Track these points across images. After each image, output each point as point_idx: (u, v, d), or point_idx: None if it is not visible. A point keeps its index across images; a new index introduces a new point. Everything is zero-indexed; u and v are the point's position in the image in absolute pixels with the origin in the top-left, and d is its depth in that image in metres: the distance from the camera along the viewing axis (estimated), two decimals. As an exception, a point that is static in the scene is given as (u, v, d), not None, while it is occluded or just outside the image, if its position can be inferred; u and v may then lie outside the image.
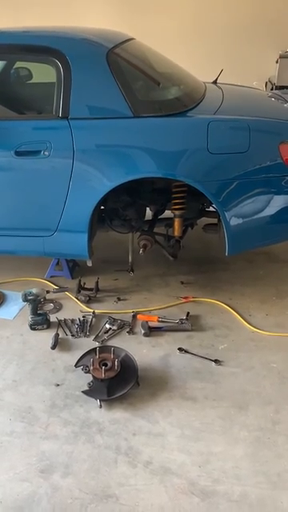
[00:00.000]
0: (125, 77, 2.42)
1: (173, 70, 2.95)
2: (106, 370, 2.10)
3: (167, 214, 2.83)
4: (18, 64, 3.22)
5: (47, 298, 2.76)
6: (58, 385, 2.19)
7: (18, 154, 2.41)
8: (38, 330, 2.56)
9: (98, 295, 2.86)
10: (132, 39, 2.88)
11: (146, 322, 2.59)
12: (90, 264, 2.77)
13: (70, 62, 2.37)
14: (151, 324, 2.58)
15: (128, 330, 2.56)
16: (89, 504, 1.67)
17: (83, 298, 2.80)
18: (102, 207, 2.69)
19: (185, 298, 2.82)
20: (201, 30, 5.40)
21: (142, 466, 1.81)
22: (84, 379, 2.17)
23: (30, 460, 1.83)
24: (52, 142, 2.38)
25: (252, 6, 5.29)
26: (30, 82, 3.29)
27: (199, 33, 5.41)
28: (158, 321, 2.60)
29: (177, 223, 2.66)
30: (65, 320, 2.63)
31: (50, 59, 2.43)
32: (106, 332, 2.55)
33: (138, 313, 2.69)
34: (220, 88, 3.08)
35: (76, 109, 2.38)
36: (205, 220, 2.86)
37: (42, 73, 2.92)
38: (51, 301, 2.80)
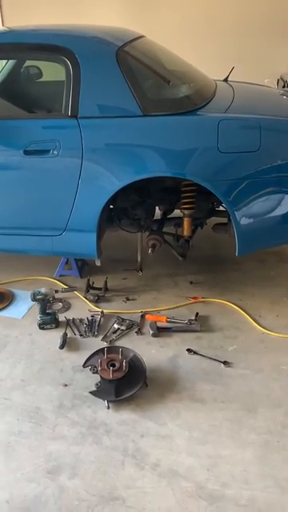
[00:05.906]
0: (134, 75, 2.40)
1: (183, 67, 2.92)
2: (113, 371, 2.09)
3: (176, 213, 2.81)
4: (28, 62, 3.23)
5: (56, 297, 2.76)
6: (66, 385, 2.19)
7: (26, 153, 2.40)
8: (46, 329, 2.56)
9: (106, 295, 2.85)
10: (142, 37, 2.86)
11: (155, 322, 2.57)
12: (98, 263, 2.77)
13: (79, 60, 2.35)
14: (160, 324, 2.56)
15: (136, 330, 2.54)
16: (95, 506, 1.66)
17: (92, 298, 2.80)
18: (111, 206, 2.68)
19: (194, 298, 2.80)
20: (211, 27, 5.35)
21: (150, 468, 1.80)
22: (92, 379, 2.16)
23: (38, 460, 1.83)
24: (61, 141, 2.37)
25: (264, 2, 5.22)
26: (40, 80, 3.29)
27: (210, 30, 5.35)
28: (167, 321, 2.58)
29: (186, 223, 2.65)
30: (73, 319, 2.63)
31: (59, 58, 2.41)
32: (115, 332, 2.54)
33: (146, 313, 2.67)
34: (231, 86, 3.04)
35: (85, 108, 2.37)
36: (214, 219, 2.83)
37: (52, 71, 2.92)
38: (60, 300, 2.80)
